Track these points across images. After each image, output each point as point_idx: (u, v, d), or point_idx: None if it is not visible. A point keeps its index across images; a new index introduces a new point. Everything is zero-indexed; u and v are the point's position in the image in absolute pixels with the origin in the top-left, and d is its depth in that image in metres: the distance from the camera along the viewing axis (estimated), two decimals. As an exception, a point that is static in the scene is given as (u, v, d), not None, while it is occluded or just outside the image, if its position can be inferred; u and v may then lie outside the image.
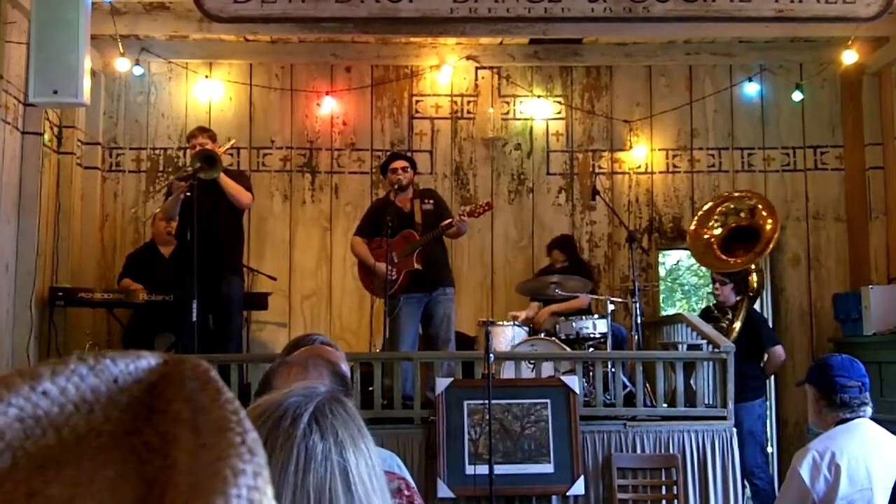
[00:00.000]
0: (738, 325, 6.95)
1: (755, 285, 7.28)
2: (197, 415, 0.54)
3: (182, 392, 0.55)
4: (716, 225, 7.19)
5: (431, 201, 6.86)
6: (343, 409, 1.31)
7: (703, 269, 17.33)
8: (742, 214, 7.21)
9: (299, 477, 1.20)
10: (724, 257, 7.11)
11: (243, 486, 0.51)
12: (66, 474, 0.51)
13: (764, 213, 7.09)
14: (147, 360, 0.57)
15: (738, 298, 7.09)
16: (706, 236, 7.19)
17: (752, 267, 7.28)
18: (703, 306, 8.42)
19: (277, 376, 2.07)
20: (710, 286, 7.43)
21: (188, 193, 6.34)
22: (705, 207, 7.38)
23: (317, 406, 1.28)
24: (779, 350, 7.08)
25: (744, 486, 6.36)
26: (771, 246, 7.02)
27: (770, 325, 7.42)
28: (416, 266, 6.56)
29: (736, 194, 7.56)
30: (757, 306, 7.59)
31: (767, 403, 7.04)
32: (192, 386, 0.55)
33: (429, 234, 6.59)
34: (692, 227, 7.29)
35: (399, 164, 6.84)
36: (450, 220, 6.62)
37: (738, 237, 7.14)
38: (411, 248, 6.57)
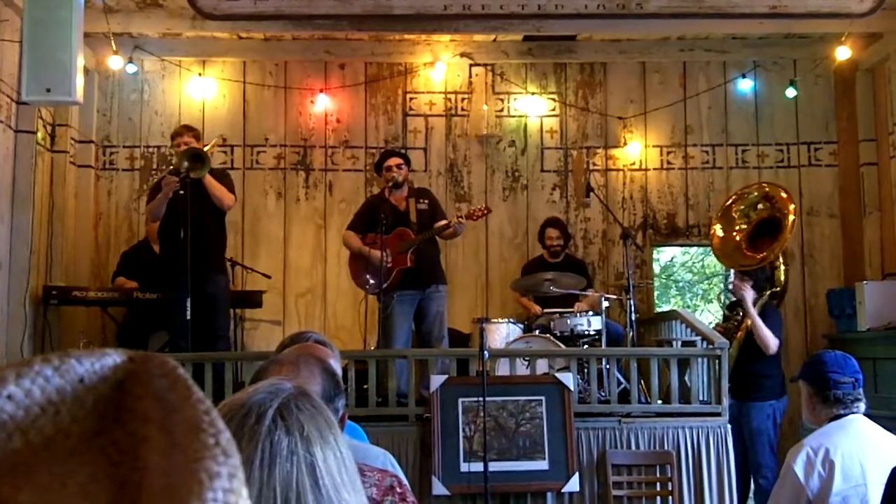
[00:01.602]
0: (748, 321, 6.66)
1: (781, 280, 7.01)
2: (168, 414, 0.53)
3: (150, 389, 0.55)
4: (741, 223, 7.02)
5: (426, 201, 6.87)
6: (309, 403, 1.29)
7: (699, 265, 17.41)
8: (760, 206, 7.00)
9: (265, 473, 1.18)
10: (750, 254, 6.87)
11: (219, 490, 0.50)
12: (36, 480, 0.50)
13: (783, 195, 6.89)
14: (112, 358, 0.56)
15: (756, 296, 6.73)
16: (737, 238, 6.96)
17: (780, 262, 7.03)
18: (704, 304, 8.34)
19: (268, 374, 2.07)
20: (714, 281, 7.29)
21: (181, 191, 6.33)
22: (723, 207, 7.22)
23: (282, 402, 1.26)
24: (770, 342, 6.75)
25: (740, 484, 6.34)
26: (790, 234, 6.79)
27: (780, 321, 7.08)
28: (410, 264, 6.56)
29: (743, 191, 7.40)
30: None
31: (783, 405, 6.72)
32: (161, 384, 0.55)
33: (424, 234, 6.59)
34: (717, 232, 7.07)
35: (394, 160, 6.84)
36: (447, 222, 6.63)
37: (762, 231, 6.92)
38: (406, 246, 6.58)
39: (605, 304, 6.88)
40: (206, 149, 6.62)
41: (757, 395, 6.45)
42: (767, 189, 7.13)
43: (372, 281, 6.62)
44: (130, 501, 0.51)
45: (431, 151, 8.50)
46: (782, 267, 7.04)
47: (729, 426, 5.93)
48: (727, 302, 7.21)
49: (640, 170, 8.54)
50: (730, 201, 7.27)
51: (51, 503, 0.50)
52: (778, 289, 7.02)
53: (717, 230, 7.14)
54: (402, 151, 7.50)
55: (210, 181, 6.44)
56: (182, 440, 0.52)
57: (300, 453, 1.21)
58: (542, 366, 6.25)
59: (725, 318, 7.05)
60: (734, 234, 7.02)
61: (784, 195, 6.98)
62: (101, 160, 8.27)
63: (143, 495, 0.51)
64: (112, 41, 7.45)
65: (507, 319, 7.10)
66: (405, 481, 2.22)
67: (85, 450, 0.53)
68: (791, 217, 6.78)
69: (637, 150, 8.52)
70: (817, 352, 4.02)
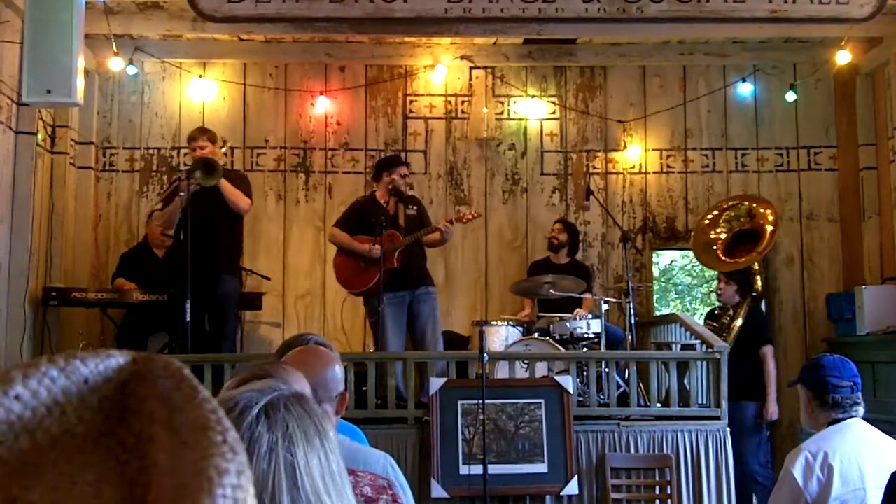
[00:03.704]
0: (738, 322, 6.99)
1: (759, 287, 7.36)
2: (174, 414, 0.54)
3: (155, 390, 0.55)
4: (722, 230, 7.35)
5: (415, 207, 6.93)
6: (301, 406, 1.27)
7: (697, 269, 17.42)
8: (742, 219, 7.34)
9: None
10: (724, 258, 7.24)
11: (228, 486, 0.50)
12: (45, 479, 0.51)
13: (762, 211, 7.27)
14: (116, 359, 0.56)
15: (740, 299, 7.12)
16: (712, 236, 7.34)
17: (756, 268, 7.37)
18: (703, 307, 8.54)
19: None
20: (713, 284, 7.57)
21: (182, 193, 6.36)
22: (710, 216, 7.54)
23: (270, 400, 1.25)
24: (765, 350, 7.01)
25: (738, 485, 6.35)
26: (770, 244, 7.17)
27: (768, 324, 7.44)
28: (396, 265, 6.59)
29: (730, 203, 7.67)
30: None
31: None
32: (166, 384, 0.55)
33: (412, 236, 6.65)
34: (700, 226, 7.45)
35: (406, 170, 6.94)
36: (436, 226, 6.69)
37: (742, 239, 7.28)
38: (394, 248, 6.60)
39: (605, 307, 6.89)
40: (220, 151, 6.69)
41: (746, 394, 6.59)
42: (754, 205, 7.42)
43: (363, 277, 6.64)
44: (141, 500, 0.52)
45: (431, 154, 8.50)
46: (759, 276, 7.42)
47: (728, 429, 5.94)
48: (717, 307, 7.46)
49: (639, 173, 8.54)
50: (726, 206, 7.52)
51: (62, 502, 0.50)
52: (755, 294, 7.41)
53: (707, 220, 7.42)
54: (406, 161, 7.48)
55: (225, 185, 6.48)
56: (189, 439, 0.52)
57: (280, 452, 1.20)
58: (541, 369, 6.26)
59: (712, 316, 7.31)
60: (716, 234, 7.34)
61: (768, 212, 7.29)
62: (101, 161, 8.27)
63: (153, 493, 0.51)
64: (113, 43, 7.45)
65: (506, 322, 7.11)
66: (404, 483, 2.23)
67: (92, 449, 0.53)
68: (767, 238, 7.10)
69: (637, 153, 8.52)
70: (816, 356, 4.03)
